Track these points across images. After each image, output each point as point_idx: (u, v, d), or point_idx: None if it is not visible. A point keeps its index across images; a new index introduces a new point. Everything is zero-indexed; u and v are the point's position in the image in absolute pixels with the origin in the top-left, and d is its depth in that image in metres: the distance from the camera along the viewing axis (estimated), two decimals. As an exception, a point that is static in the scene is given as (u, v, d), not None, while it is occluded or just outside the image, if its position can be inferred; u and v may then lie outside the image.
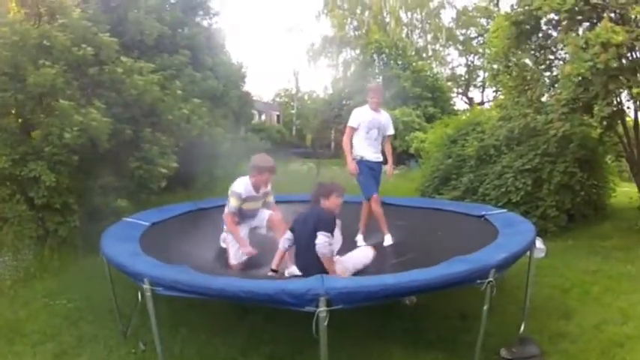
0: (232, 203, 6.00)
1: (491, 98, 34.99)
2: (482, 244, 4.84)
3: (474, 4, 41.47)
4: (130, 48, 10.36)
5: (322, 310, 3.44)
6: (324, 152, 29.84)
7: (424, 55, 42.87)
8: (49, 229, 8.04)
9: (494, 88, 18.94)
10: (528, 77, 10.12)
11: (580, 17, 8.64)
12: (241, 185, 6.06)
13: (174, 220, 7.06)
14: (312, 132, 37.21)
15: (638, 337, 5.00)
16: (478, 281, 3.95)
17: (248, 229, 6.28)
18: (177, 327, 5.25)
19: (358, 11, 45.02)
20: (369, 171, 6.78)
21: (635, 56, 8.40)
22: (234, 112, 14.91)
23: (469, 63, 44.23)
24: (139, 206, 8.81)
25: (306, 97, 47.51)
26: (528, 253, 5.06)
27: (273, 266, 5.42)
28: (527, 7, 9.07)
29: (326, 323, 3.45)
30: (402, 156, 23.30)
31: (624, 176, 13.06)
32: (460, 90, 44.37)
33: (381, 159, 6.95)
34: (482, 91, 42.85)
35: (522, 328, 5.07)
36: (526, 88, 10.11)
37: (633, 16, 8.07)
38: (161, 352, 4.29)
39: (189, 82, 11.50)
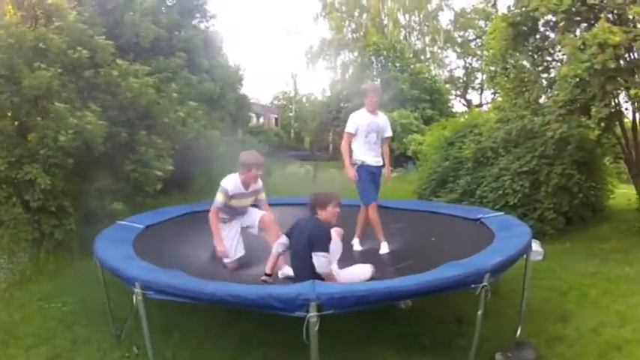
0: (218, 198, 6.02)
1: (489, 100, 35.06)
2: (478, 248, 4.81)
3: (472, 6, 41.50)
4: (125, 51, 10.32)
5: (313, 315, 3.41)
6: (322, 155, 29.81)
7: (422, 57, 42.86)
8: (44, 231, 8.01)
9: (492, 90, 18.94)
10: (526, 79, 10.09)
11: (577, 18, 8.61)
12: (230, 182, 6.05)
13: (168, 223, 7.07)
14: (310, 135, 37.20)
15: (636, 340, 4.96)
16: (472, 286, 3.91)
17: (239, 227, 6.25)
18: (170, 331, 5.25)
19: (356, 14, 45.04)
20: (369, 176, 6.65)
21: (633, 57, 8.36)
22: (231, 115, 14.84)
23: (467, 65, 44.30)
24: (134, 209, 8.82)
25: (304, 100, 47.53)
26: (525, 256, 5.02)
27: (267, 270, 5.36)
28: (524, 9, 9.04)
29: (316, 328, 3.41)
30: (400, 158, 23.28)
31: (623, 178, 13.02)
32: (458, 92, 44.39)
33: (381, 163, 6.83)
34: (481, 94, 42.94)
35: (519, 331, 5.03)
36: (523, 89, 10.09)
37: (631, 17, 8.03)
38: (152, 356, 4.29)
39: (185, 84, 11.44)
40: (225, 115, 13.89)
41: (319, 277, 4.63)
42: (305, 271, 4.75)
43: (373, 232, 6.64)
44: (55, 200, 8.00)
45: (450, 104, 35.39)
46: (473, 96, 44.37)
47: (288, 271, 5.49)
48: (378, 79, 30.44)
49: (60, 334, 5.42)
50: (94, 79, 8.55)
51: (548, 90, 9.75)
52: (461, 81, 44.73)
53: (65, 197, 8.19)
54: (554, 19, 9.01)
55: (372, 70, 33.51)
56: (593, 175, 10.43)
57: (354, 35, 44.84)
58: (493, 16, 13.01)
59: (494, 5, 10.45)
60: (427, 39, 44.96)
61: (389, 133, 6.93)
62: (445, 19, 46.79)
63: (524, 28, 9.54)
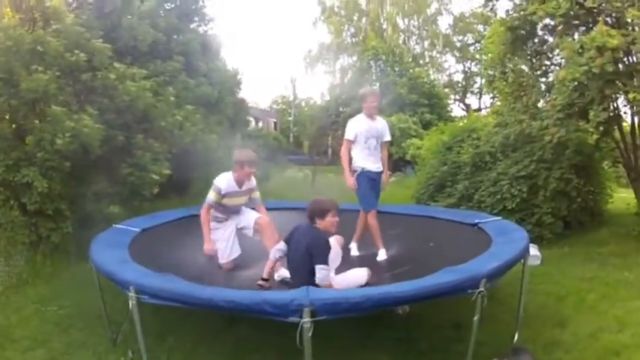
0: (210, 196, 6.03)
1: (488, 105, 35.03)
2: (475, 253, 4.78)
3: (471, 10, 41.55)
4: (123, 54, 10.31)
5: (306, 320, 3.38)
6: (321, 159, 29.80)
7: (421, 61, 42.93)
8: (41, 235, 8.01)
9: (491, 95, 18.93)
10: (524, 83, 10.06)
11: (576, 22, 8.60)
12: (223, 180, 6.04)
13: (165, 227, 7.06)
14: (308, 139, 37.18)
15: (635, 345, 4.92)
16: (469, 291, 3.88)
17: (235, 227, 6.23)
18: (165, 335, 5.23)
19: (355, 18, 45.07)
20: (369, 182, 6.57)
21: (631, 60, 8.34)
22: (229, 119, 14.80)
23: (466, 69, 44.35)
24: (131, 213, 8.75)
25: (303, 104, 47.52)
26: (523, 261, 4.99)
27: (265, 275, 5.33)
28: (522, 13, 9.02)
29: (310, 334, 3.40)
30: (399, 163, 23.28)
31: (622, 182, 12.99)
32: (457, 97, 44.42)
33: (381, 168, 6.75)
34: (480, 98, 42.96)
35: (516, 337, 4.99)
36: (522, 94, 10.06)
37: (629, 20, 8.02)
38: (146, 361, 4.23)
39: (182, 88, 11.42)
40: (223, 119, 13.86)
41: (316, 284, 4.61)
42: (302, 279, 4.71)
43: (371, 238, 6.60)
44: (52, 203, 8.00)
45: (448, 109, 35.42)
46: (472, 100, 44.47)
47: (284, 273, 5.46)
48: (377, 84, 30.49)
49: (56, 337, 5.42)
50: (92, 82, 8.54)
51: (547, 94, 9.73)
52: (460, 85, 44.78)
53: (62, 200, 8.18)
54: (552, 23, 9.00)
55: (370, 75, 33.55)
56: (592, 180, 10.40)
57: (353, 39, 44.88)
58: (492, 21, 12.98)
59: (491, 10, 10.36)
60: (426, 43, 45.01)
61: (388, 138, 6.87)
62: (444, 23, 47.00)
63: (523, 32, 9.53)
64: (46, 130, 7.78)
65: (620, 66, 8.30)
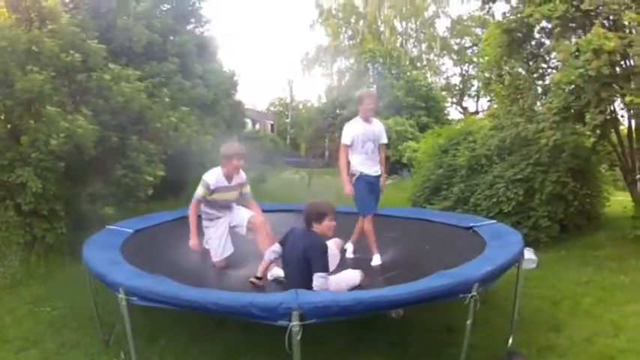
0: (198, 191, 6.01)
1: (485, 108, 35.05)
2: (469, 257, 4.76)
3: (469, 13, 41.58)
4: (118, 55, 10.31)
5: (295, 324, 3.36)
6: (318, 161, 29.78)
7: (418, 64, 42.99)
8: (36, 235, 8.00)
9: (488, 98, 18.94)
10: (520, 86, 10.04)
11: (572, 24, 8.57)
12: (212, 175, 6.01)
13: (158, 228, 7.09)
14: (305, 141, 37.19)
15: (631, 350, 4.89)
16: (461, 295, 3.85)
17: (227, 225, 6.20)
18: (157, 337, 5.25)
19: (353, 20, 45.08)
20: (367, 186, 6.46)
21: (628, 64, 8.31)
22: (225, 121, 14.77)
23: (463, 72, 44.38)
24: (126, 214, 8.76)
25: (300, 107, 47.54)
26: (517, 264, 4.95)
27: (258, 274, 5.30)
28: (518, 15, 9.00)
29: (299, 338, 3.37)
30: (395, 165, 23.26)
31: (619, 185, 12.94)
32: (454, 99, 44.45)
33: (379, 172, 6.65)
34: (477, 101, 42.99)
35: (510, 341, 4.96)
36: (518, 96, 10.04)
37: (626, 22, 7.99)
38: (137, 362, 4.22)
39: (178, 89, 11.41)
40: (218, 121, 13.82)
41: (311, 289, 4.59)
42: (298, 284, 4.65)
43: (367, 242, 6.53)
44: (46, 204, 8.01)
45: (445, 112, 35.45)
46: (469, 103, 44.48)
47: (277, 272, 5.44)
48: (374, 86, 30.44)
49: (49, 337, 5.46)
50: (87, 83, 8.55)
51: (543, 97, 9.71)
52: (457, 88, 44.80)
53: (57, 201, 8.18)
54: (549, 25, 8.98)
55: (368, 77, 33.55)
56: (589, 183, 10.36)
57: (351, 42, 44.87)
58: (489, 24, 13.02)
59: (488, 12, 10.35)
60: (423, 46, 45.06)
61: (384, 140, 6.76)
62: (442, 26, 46.97)
63: (519, 35, 9.52)
64: (40, 130, 7.79)
65: (618, 69, 8.27)
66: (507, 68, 10.51)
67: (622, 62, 8.32)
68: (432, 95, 32.82)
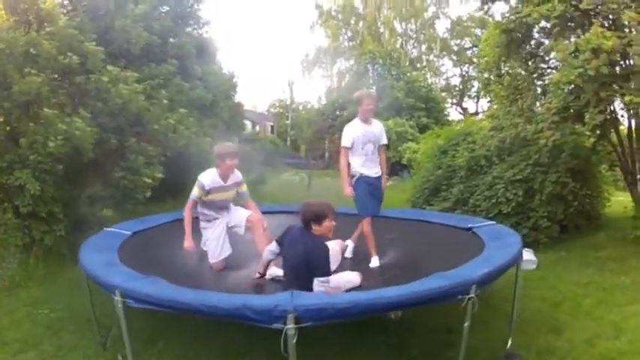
0: (194, 192, 5.97)
1: (485, 109, 35.06)
2: (468, 258, 4.71)
3: (468, 14, 41.60)
4: (117, 57, 10.32)
5: (290, 327, 3.33)
6: (318, 163, 29.79)
7: (418, 65, 43.05)
8: (35, 237, 7.99)
9: (488, 99, 18.95)
10: (520, 86, 10.01)
11: (571, 24, 8.54)
12: (207, 176, 5.98)
13: (156, 230, 7.08)
14: (305, 142, 37.22)
15: (632, 352, 4.85)
16: (459, 297, 3.81)
17: (225, 226, 6.17)
18: (155, 339, 5.25)
19: (352, 22, 45.16)
20: (367, 187, 6.39)
21: (628, 63, 8.27)
22: (224, 123, 14.76)
23: (463, 73, 44.38)
24: (125, 216, 8.77)
25: (300, 108, 47.60)
26: (516, 265, 4.92)
27: (261, 270, 5.37)
28: (517, 15, 8.97)
29: (295, 341, 3.34)
30: (396, 167, 23.25)
31: (619, 185, 12.90)
32: (454, 100, 44.45)
33: (380, 173, 6.59)
34: (477, 102, 42.97)
35: (509, 343, 4.92)
36: (518, 97, 10.01)
37: (626, 22, 7.96)
38: (134, 365, 4.22)
39: (176, 91, 11.41)
40: (218, 123, 13.81)
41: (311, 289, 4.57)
42: (297, 283, 4.62)
43: (366, 244, 6.49)
44: (45, 206, 8.00)
45: (445, 112, 35.47)
46: (469, 104, 44.48)
47: (275, 271, 5.44)
48: (374, 87, 30.45)
49: (47, 340, 5.45)
50: (85, 85, 8.55)
51: (542, 97, 9.68)
52: (457, 89, 44.81)
53: (55, 203, 8.18)
54: (548, 25, 8.95)
55: (368, 78, 33.57)
56: (589, 183, 10.33)
57: (351, 43, 44.96)
58: (489, 24, 13.04)
59: (487, 12, 10.35)
60: (423, 47, 45.16)
61: (384, 141, 6.69)
62: (441, 27, 47.00)
63: (518, 35, 9.48)
64: (38, 132, 7.79)
65: (617, 69, 8.24)
66: (507, 68, 10.48)
67: (621, 62, 8.28)
68: (432, 96, 32.85)
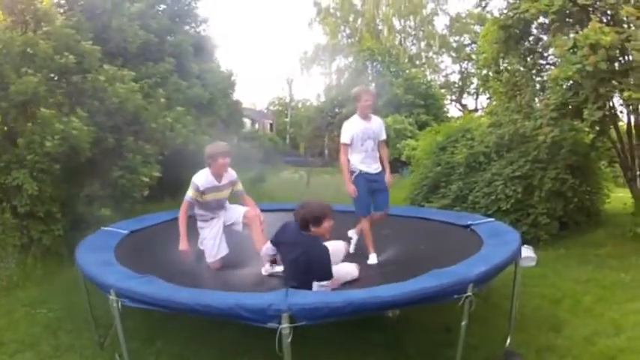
0: (188, 193, 5.94)
1: (485, 105, 35.02)
2: (466, 256, 4.68)
3: (467, 10, 41.55)
4: (114, 55, 10.29)
5: (285, 327, 3.31)
6: (317, 160, 29.79)
7: (417, 62, 43.01)
8: (33, 237, 7.97)
9: (487, 95, 18.91)
10: (518, 82, 9.98)
11: (569, 20, 8.51)
12: (201, 177, 5.95)
13: (154, 229, 7.04)
14: (304, 140, 37.23)
15: (631, 349, 4.82)
16: (456, 296, 3.77)
17: (222, 225, 6.15)
18: (153, 339, 5.22)
19: (351, 19, 45.09)
20: (367, 184, 6.33)
21: (626, 58, 8.24)
22: (222, 121, 14.74)
23: (463, 70, 44.35)
24: (123, 215, 8.74)
25: (299, 106, 47.59)
26: (515, 263, 4.89)
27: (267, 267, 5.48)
28: (515, 11, 8.93)
29: (289, 340, 3.32)
30: (395, 164, 23.19)
31: (619, 182, 12.88)
32: (454, 97, 44.43)
33: (380, 169, 6.52)
34: (476, 98, 42.93)
35: (508, 341, 4.88)
36: (516, 93, 9.98)
37: (625, 17, 7.92)
38: (130, 364, 4.22)
39: (174, 90, 11.38)
40: (216, 121, 13.78)
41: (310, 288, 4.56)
42: (297, 285, 4.60)
43: (364, 242, 6.46)
44: (43, 206, 7.99)
45: (445, 109, 35.47)
46: (468, 101, 44.46)
47: (274, 268, 5.47)
48: (373, 84, 30.46)
49: (44, 340, 5.43)
50: (82, 84, 8.54)
51: (541, 93, 9.64)
52: (456, 86, 44.79)
53: (53, 203, 8.16)
54: (546, 21, 8.92)
55: (366, 76, 33.55)
56: (588, 180, 10.31)
57: (349, 40, 44.90)
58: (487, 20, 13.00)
59: (484, 8, 10.35)
60: (422, 44, 45.09)
61: (384, 137, 6.62)
62: (440, 23, 47.01)
63: (516, 31, 9.45)
64: (35, 132, 7.79)
65: (616, 65, 8.21)
66: (505, 65, 10.45)
67: (620, 57, 8.25)
68: (431, 93, 32.87)
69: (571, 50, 7.91)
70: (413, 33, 44.88)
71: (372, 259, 6.16)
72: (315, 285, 4.61)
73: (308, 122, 36.38)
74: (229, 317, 3.63)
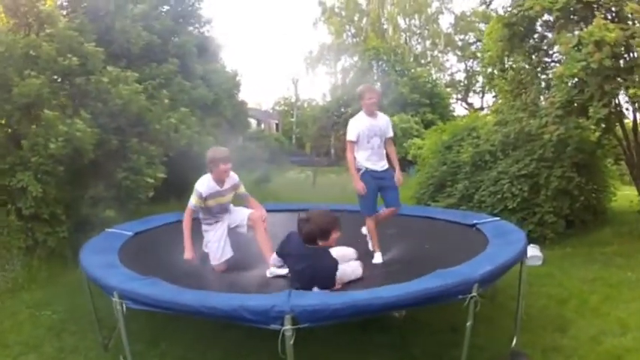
0: (192, 201, 5.90)
1: (491, 103, 34.95)
2: (471, 255, 4.65)
3: (472, 9, 41.48)
4: (118, 57, 10.28)
5: (288, 328, 3.30)
6: (322, 160, 29.79)
7: (422, 61, 43.00)
8: (37, 239, 7.97)
9: (493, 93, 18.89)
10: (524, 80, 9.94)
11: (574, 17, 8.46)
12: (203, 183, 5.91)
13: (159, 230, 7.03)
14: (310, 140, 37.23)
15: (638, 348, 4.78)
16: (460, 296, 3.74)
17: (226, 228, 6.11)
18: (158, 341, 5.21)
19: (356, 18, 45.16)
20: (373, 182, 6.25)
21: (632, 55, 8.19)
22: (228, 121, 14.73)
23: (468, 68, 44.28)
24: (128, 216, 8.74)
25: (305, 105, 47.60)
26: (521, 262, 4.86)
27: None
28: (519, 8, 8.89)
29: (292, 342, 3.31)
30: (401, 163, 23.11)
31: (625, 179, 12.82)
32: (459, 96, 44.36)
33: (386, 166, 6.44)
34: (482, 97, 42.91)
35: (514, 341, 4.83)
36: (522, 91, 9.93)
37: (629, 14, 7.88)
38: (133, 366, 4.21)
39: (178, 90, 11.37)
40: (220, 121, 13.77)
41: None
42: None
43: (370, 239, 6.41)
44: (47, 208, 7.99)
45: (450, 108, 35.43)
46: (474, 99, 44.41)
47: (277, 271, 5.43)
48: (379, 83, 30.43)
49: (48, 342, 5.42)
50: (85, 86, 8.53)
51: (546, 91, 9.59)
52: (462, 84, 44.72)
53: (58, 205, 8.17)
54: (551, 18, 8.87)
55: (372, 75, 33.54)
56: (594, 178, 10.26)
57: (354, 40, 44.93)
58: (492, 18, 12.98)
59: (488, 6, 10.33)
60: (427, 43, 45.09)
61: (390, 134, 6.53)
62: (445, 22, 46.94)
63: (521, 29, 9.41)
64: (39, 134, 7.78)
65: (621, 62, 8.16)
66: (510, 63, 10.41)
67: (625, 55, 8.20)
68: (436, 92, 32.86)
69: (576, 47, 7.86)
70: (418, 32, 44.90)
71: (377, 258, 6.12)
72: (316, 288, 4.59)
73: (314, 122, 36.41)
74: (232, 319, 3.62)
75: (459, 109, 40.25)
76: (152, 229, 6.98)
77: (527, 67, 10.10)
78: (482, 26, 39.90)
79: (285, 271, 5.34)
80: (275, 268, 5.45)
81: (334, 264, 4.76)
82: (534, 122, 8.86)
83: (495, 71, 11.01)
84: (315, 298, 3.83)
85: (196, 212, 6.02)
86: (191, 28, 14.23)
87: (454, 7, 49.31)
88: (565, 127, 8.34)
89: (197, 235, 6.06)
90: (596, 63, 7.40)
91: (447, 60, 46.18)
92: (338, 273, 4.86)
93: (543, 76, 9.97)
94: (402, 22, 44.07)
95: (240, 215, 6.16)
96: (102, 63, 8.85)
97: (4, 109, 7.89)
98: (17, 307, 6.48)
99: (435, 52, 45.30)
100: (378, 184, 6.27)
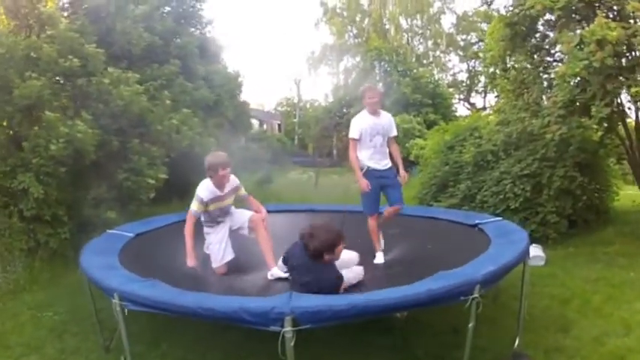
0: (193, 207, 5.86)
1: (493, 103, 34.90)
2: (473, 256, 4.63)
3: (474, 9, 41.40)
4: (119, 58, 10.28)
5: (288, 330, 3.28)
6: (325, 161, 29.77)
7: (425, 61, 42.92)
8: (39, 240, 7.99)
9: (495, 93, 18.86)
10: (526, 80, 9.91)
11: (575, 15, 8.44)
12: (204, 189, 5.87)
13: (160, 231, 7.01)
14: (312, 140, 37.21)
15: (640, 349, 4.76)
16: (462, 298, 3.72)
17: (227, 230, 6.07)
18: (159, 342, 5.22)
19: (358, 18, 45.02)
20: (375, 181, 6.21)
21: (634, 54, 8.17)
22: (230, 122, 14.73)
23: (470, 68, 44.19)
24: (130, 217, 8.73)
25: (307, 106, 47.57)
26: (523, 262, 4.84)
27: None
28: (521, 7, 8.87)
29: (292, 344, 3.30)
30: (404, 163, 23.10)
31: (628, 179, 12.78)
32: (462, 96, 44.27)
33: (389, 165, 6.40)
34: (484, 97, 42.73)
35: (517, 342, 4.83)
36: (524, 91, 9.91)
37: (631, 12, 7.85)
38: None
39: (180, 91, 11.38)
40: (222, 122, 13.77)
41: None
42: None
43: (371, 239, 6.37)
44: (49, 209, 8.01)
45: (453, 108, 35.36)
46: (477, 99, 44.29)
47: (277, 273, 5.43)
48: (381, 84, 30.38)
49: (49, 343, 5.45)
50: (87, 87, 8.55)
51: (548, 91, 9.57)
52: (464, 84, 44.62)
53: (59, 206, 8.19)
54: (552, 17, 8.86)
55: (374, 75, 33.46)
56: (597, 177, 10.23)
57: (356, 40, 44.83)
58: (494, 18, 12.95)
59: (489, 6, 10.34)
60: (429, 43, 44.97)
61: (394, 132, 6.50)
62: (447, 22, 46.87)
63: (523, 28, 9.39)
64: (40, 136, 7.80)
65: (623, 60, 8.14)
66: (512, 62, 10.39)
67: (627, 53, 8.18)
68: (438, 92, 32.77)
69: (578, 46, 7.85)
70: (420, 32, 44.79)
71: (379, 258, 6.10)
72: None
73: (316, 122, 36.32)
74: (232, 321, 3.60)
75: (461, 109, 40.12)
76: (153, 230, 6.97)
77: (529, 66, 10.07)
78: (484, 26, 39.78)
79: (286, 273, 5.34)
80: (277, 269, 5.44)
81: (340, 279, 4.76)
82: (536, 122, 8.85)
83: (497, 71, 10.98)
84: (316, 299, 3.80)
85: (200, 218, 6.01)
86: (193, 29, 14.25)
87: (456, 7, 49.21)
88: (567, 126, 8.33)
89: (198, 237, 6.03)
90: (598, 62, 7.38)
91: (449, 60, 46.06)
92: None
93: (545, 76, 9.96)
94: (404, 23, 43.95)
95: (241, 218, 6.13)
96: (103, 64, 8.87)
97: (5, 110, 7.90)
98: (19, 309, 6.49)
99: (437, 52, 45.16)
100: (380, 182, 6.24)
